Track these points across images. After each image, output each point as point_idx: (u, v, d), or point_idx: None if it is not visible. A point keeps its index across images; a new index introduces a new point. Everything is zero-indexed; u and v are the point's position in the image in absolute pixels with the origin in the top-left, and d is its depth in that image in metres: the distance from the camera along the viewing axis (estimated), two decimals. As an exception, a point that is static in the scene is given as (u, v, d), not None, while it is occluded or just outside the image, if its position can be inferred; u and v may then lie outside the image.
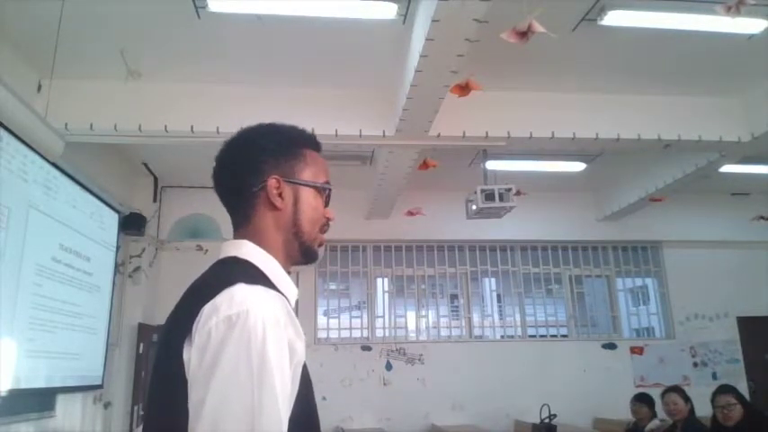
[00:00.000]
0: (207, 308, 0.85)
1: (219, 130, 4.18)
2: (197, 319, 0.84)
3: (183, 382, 0.82)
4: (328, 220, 1.09)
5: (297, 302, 1.02)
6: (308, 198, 1.05)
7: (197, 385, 0.81)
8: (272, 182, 1.02)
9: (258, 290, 0.88)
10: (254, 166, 1.03)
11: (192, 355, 0.83)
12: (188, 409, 0.80)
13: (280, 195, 1.02)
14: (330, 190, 1.09)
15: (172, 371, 0.84)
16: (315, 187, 1.06)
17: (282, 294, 0.93)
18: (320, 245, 1.08)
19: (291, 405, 0.85)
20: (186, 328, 0.85)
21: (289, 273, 1.04)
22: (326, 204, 1.09)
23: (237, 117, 4.13)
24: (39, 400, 4.03)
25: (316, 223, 1.06)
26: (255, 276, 0.93)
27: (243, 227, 1.03)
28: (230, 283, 0.87)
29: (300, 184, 1.05)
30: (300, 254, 1.05)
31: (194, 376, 0.82)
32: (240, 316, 0.82)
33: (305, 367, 0.92)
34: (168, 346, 0.87)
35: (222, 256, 1.01)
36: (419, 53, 3.25)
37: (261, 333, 0.82)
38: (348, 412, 6.12)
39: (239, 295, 0.85)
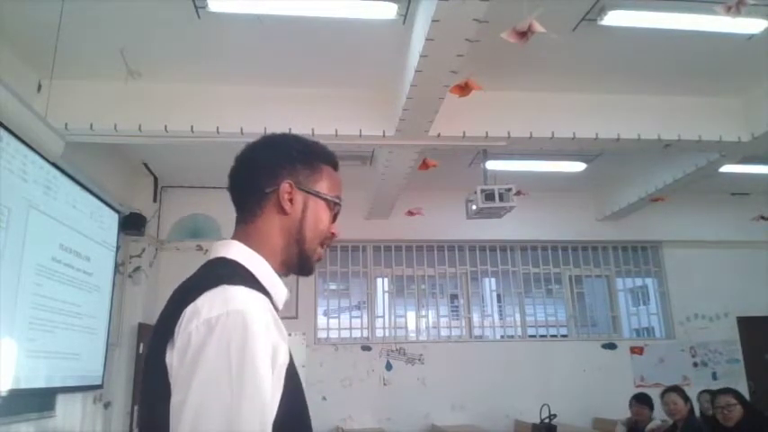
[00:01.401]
0: (188, 310, 0.84)
1: (219, 130, 4.19)
2: (179, 321, 0.84)
3: (166, 385, 0.83)
4: (333, 235, 1.09)
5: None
6: (317, 209, 1.07)
7: (177, 387, 0.81)
8: (284, 186, 1.04)
9: (240, 291, 0.87)
10: (271, 168, 1.05)
11: (173, 358, 0.83)
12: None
13: (290, 200, 1.04)
14: (340, 206, 1.10)
15: (157, 374, 0.85)
16: (325, 199, 1.08)
17: (269, 294, 0.94)
18: (318, 259, 1.09)
19: (276, 407, 0.85)
20: (169, 331, 0.85)
21: (286, 276, 1.04)
22: (334, 220, 1.10)
23: (237, 117, 4.18)
24: (39, 400, 4.03)
25: (319, 235, 1.07)
26: (241, 277, 0.93)
27: (245, 225, 1.04)
28: (213, 284, 0.87)
29: (311, 194, 1.06)
30: (298, 261, 1.06)
31: (175, 378, 0.82)
32: (220, 318, 0.82)
33: (293, 367, 0.91)
34: (153, 349, 0.88)
35: (211, 257, 1.01)
36: (419, 53, 3.25)
37: (240, 335, 0.81)
38: (348, 412, 6.12)
39: (220, 297, 0.85)
